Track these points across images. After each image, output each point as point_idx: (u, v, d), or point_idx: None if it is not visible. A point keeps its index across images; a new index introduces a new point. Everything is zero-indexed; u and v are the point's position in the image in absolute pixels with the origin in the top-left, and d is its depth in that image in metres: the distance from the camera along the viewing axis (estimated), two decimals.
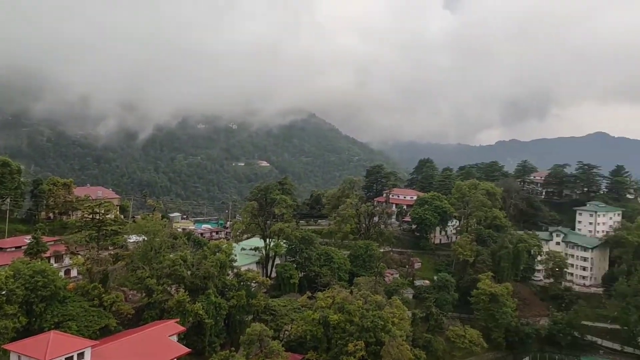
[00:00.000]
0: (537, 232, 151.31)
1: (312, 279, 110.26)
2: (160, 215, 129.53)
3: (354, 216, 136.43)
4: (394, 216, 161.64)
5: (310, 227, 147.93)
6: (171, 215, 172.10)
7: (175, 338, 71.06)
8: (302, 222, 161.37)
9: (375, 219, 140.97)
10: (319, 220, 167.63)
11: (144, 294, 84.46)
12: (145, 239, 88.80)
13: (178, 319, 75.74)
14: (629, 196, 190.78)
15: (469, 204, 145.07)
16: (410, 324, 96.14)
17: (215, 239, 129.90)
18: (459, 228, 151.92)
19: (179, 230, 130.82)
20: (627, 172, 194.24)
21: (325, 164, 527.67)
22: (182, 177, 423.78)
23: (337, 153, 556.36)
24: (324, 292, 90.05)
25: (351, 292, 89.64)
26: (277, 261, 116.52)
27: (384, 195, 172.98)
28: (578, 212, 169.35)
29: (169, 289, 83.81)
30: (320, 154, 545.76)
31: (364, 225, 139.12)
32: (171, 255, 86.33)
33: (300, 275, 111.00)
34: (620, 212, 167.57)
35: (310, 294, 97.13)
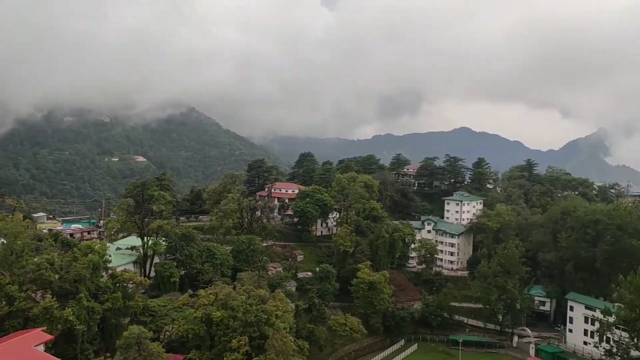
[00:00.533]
0: (411, 222, 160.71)
1: (194, 277, 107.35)
2: (22, 215, 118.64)
3: (236, 211, 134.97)
4: (276, 210, 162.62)
5: (191, 224, 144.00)
6: (35, 215, 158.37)
7: (42, 348, 65.44)
8: (182, 218, 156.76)
9: (258, 213, 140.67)
10: (200, 216, 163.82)
11: (4, 303, 76.79)
12: (4, 242, 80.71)
13: (45, 327, 69.81)
14: (489, 186, 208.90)
15: (349, 197, 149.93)
16: (293, 315, 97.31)
17: (87, 239, 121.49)
18: (339, 220, 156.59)
19: (45, 231, 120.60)
20: (487, 163, 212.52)
21: (205, 158, 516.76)
22: (47, 174, 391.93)
23: (218, 147, 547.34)
24: (206, 289, 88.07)
25: (234, 288, 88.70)
26: (156, 260, 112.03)
27: (266, 189, 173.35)
28: (446, 201, 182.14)
29: (33, 295, 76.95)
30: (200, 148, 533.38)
31: (246, 219, 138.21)
32: (35, 259, 79.30)
33: (181, 273, 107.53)
34: (482, 201, 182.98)
35: (192, 292, 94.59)
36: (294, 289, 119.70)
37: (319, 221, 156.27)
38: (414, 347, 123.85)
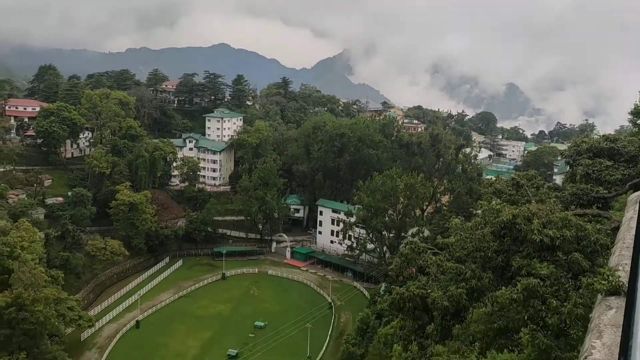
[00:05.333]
0: (172, 140, 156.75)
1: None
2: None
3: None
4: (14, 130, 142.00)
5: None
6: None
7: None
8: None
9: None
10: None
11: None
12: None
13: None
14: (248, 103, 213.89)
15: (102, 115, 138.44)
16: (43, 245, 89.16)
17: None
18: (92, 140, 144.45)
19: None
20: (246, 81, 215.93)
21: None
22: None
23: None
24: None
25: None
26: None
27: None
28: (207, 118, 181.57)
29: None
30: None
31: None
32: None
33: None
34: (242, 117, 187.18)
35: None
36: (42, 216, 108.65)
37: (69, 142, 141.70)
38: (179, 263, 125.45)
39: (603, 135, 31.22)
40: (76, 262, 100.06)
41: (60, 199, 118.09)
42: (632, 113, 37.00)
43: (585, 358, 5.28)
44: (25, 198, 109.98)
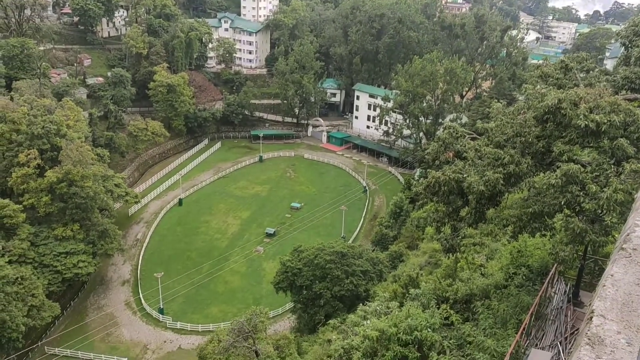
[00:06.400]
0: (207, 19, 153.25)
1: None
2: None
3: None
4: (50, 7, 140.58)
5: None
6: None
7: None
8: None
9: (27, 11, 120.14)
10: None
11: None
12: None
13: None
14: None
15: None
16: (87, 124, 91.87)
17: None
18: (127, 19, 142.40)
19: None
20: None
21: None
22: None
23: None
24: None
25: (12, 99, 78.79)
26: None
27: None
28: None
29: None
30: None
31: (13, 20, 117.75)
32: None
33: None
34: None
35: None
36: (84, 96, 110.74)
37: (105, 20, 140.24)
38: (218, 145, 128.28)
39: None
40: (120, 142, 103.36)
41: (101, 79, 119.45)
42: None
43: (628, 235, 5.29)
44: (67, 77, 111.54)
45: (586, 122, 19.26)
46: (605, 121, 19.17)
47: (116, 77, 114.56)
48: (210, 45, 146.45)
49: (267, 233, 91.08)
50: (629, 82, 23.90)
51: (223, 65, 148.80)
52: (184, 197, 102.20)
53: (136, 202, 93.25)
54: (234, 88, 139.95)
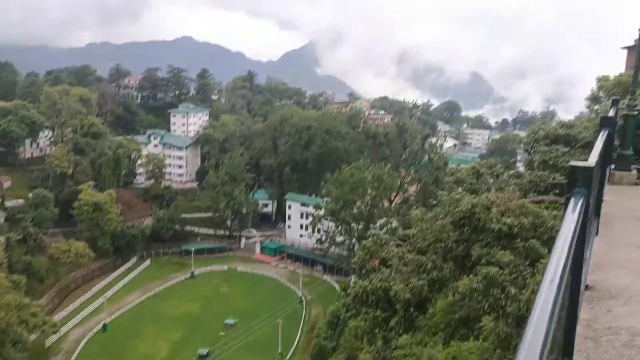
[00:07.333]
0: (136, 136, 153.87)
1: None
2: None
3: None
4: None
5: None
6: None
7: None
8: None
9: None
10: None
11: None
12: None
13: None
14: (213, 97, 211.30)
15: (62, 112, 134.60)
16: (4, 249, 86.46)
17: None
18: (52, 139, 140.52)
19: None
20: (211, 74, 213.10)
21: None
22: None
23: None
24: None
25: None
26: None
27: None
28: (172, 114, 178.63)
29: None
30: None
31: None
32: None
33: None
34: (207, 112, 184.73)
35: None
36: (2, 220, 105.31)
37: (28, 141, 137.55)
38: (147, 262, 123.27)
39: (560, 122, 31.62)
40: (39, 266, 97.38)
41: (21, 201, 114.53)
42: (588, 99, 37.66)
43: None
44: None
45: (499, 225, 19.95)
46: (516, 224, 19.95)
47: (38, 198, 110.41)
48: (139, 162, 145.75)
49: (199, 355, 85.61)
50: (535, 185, 25.45)
51: (153, 181, 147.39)
52: (109, 321, 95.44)
53: (55, 332, 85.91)
54: (164, 203, 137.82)
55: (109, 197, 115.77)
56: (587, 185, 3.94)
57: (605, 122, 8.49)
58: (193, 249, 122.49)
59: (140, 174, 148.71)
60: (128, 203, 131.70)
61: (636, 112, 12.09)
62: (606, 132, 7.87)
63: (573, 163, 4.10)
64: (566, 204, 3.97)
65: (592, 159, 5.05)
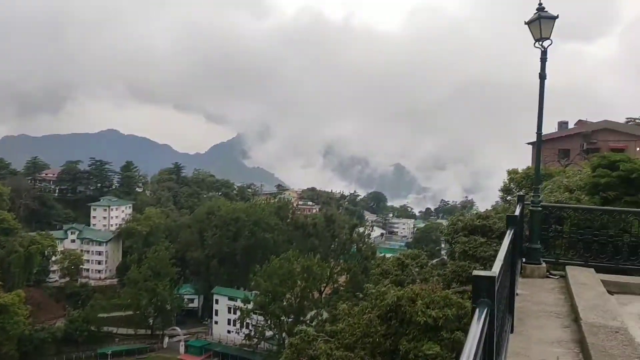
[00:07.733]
0: (52, 232, 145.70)
1: None
2: None
3: None
4: None
5: None
6: None
7: None
8: None
9: None
10: None
11: None
12: None
13: None
14: (138, 189, 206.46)
15: None
16: None
17: None
18: None
19: None
20: (136, 167, 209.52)
21: None
22: None
23: None
24: None
25: None
26: None
27: None
28: (93, 207, 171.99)
29: None
30: None
31: None
32: None
33: None
34: (131, 205, 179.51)
35: None
36: None
37: None
38: None
39: (477, 213, 33.16)
40: None
41: None
42: (501, 190, 40.04)
43: None
44: None
45: (424, 318, 20.01)
46: (441, 315, 20.10)
47: None
48: (53, 258, 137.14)
49: None
50: (457, 275, 26.10)
51: (68, 278, 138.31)
52: None
53: None
54: (80, 302, 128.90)
55: (17, 298, 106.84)
56: (491, 296, 4.01)
57: (511, 221, 8.96)
58: (110, 352, 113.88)
59: (54, 271, 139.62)
60: (39, 303, 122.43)
61: (540, 208, 12.93)
62: (512, 231, 8.26)
63: (476, 273, 4.18)
64: (472, 314, 4.00)
65: (496, 267, 5.21)
